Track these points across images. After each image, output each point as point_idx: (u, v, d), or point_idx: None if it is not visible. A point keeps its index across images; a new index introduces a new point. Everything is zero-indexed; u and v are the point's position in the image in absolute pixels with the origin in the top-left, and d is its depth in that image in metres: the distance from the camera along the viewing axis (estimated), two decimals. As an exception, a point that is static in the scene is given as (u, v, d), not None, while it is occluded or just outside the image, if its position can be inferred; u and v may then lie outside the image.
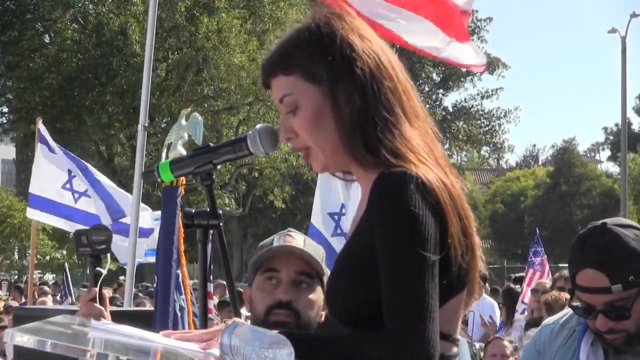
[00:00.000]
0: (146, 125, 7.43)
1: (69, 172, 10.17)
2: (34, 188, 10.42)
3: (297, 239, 2.97)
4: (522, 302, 10.39)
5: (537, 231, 13.22)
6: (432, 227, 2.17)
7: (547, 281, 9.34)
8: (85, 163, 10.47)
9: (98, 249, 3.09)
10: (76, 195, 10.19)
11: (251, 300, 2.95)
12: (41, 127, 10.38)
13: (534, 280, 11.22)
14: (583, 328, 3.26)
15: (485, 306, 11.43)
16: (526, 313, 9.92)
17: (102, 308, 3.00)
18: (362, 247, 2.23)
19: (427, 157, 2.28)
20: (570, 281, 3.23)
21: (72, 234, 3.12)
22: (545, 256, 11.96)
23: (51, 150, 10.22)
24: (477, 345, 7.42)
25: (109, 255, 3.15)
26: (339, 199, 7.10)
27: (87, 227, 3.20)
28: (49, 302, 14.64)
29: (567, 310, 3.42)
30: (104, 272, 3.08)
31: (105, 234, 3.11)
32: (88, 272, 3.15)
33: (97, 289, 3.04)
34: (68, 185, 10.21)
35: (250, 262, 3.02)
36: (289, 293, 2.87)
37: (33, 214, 10.53)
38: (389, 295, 2.15)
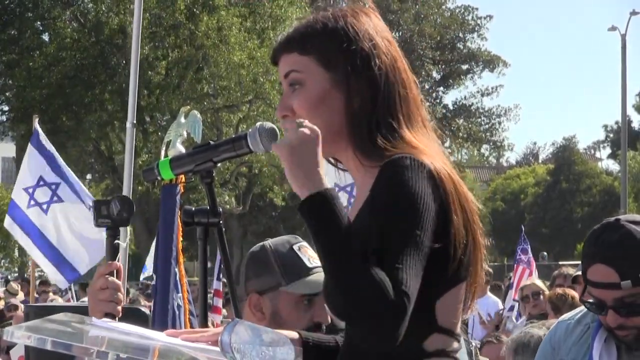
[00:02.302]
0: (134, 122, 7.42)
1: (41, 178, 9.68)
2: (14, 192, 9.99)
3: None
4: (514, 299, 10.40)
5: (523, 228, 13.24)
6: (431, 213, 2.16)
7: (538, 281, 9.34)
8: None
9: (118, 220, 2.93)
10: (32, 202, 9.57)
11: (270, 312, 2.94)
12: (37, 126, 10.07)
13: (523, 277, 11.26)
14: (597, 325, 3.27)
15: (490, 304, 11.38)
16: (515, 310, 9.97)
17: (120, 282, 2.84)
18: (361, 232, 2.20)
19: (430, 152, 2.28)
20: (582, 276, 3.24)
21: (91, 204, 2.95)
22: (531, 255, 12.00)
23: (42, 151, 9.83)
24: (474, 343, 7.39)
25: (128, 228, 2.98)
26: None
27: (107, 198, 3.01)
28: (60, 300, 14.63)
29: (583, 307, 3.42)
30: (124, 244, 2.93)
31: (127, 206, 2.95)
32: (105, 244, 2.97)
33: (116, 263, 2.87)
34: (31, 190, 9.66)
35: (262, 272, 2.99)
36: (326, 315, 2.90)
37: (9, 224, 9.84)
38: (385, 257, 2.10)
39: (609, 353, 3.22)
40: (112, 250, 2.93)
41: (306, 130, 2.21)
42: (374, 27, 2.35)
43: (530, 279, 10.53)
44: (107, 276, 2.82)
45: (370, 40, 2.32)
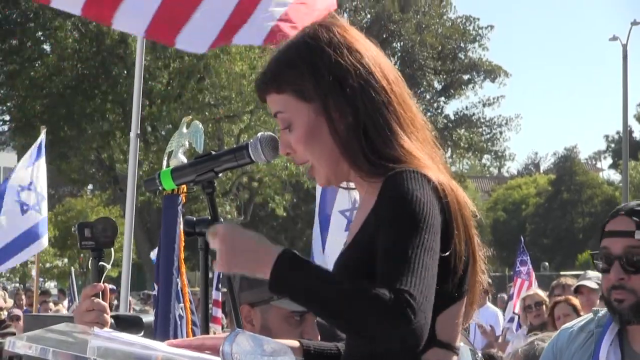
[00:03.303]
0: (139, 133, 7.41)
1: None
2: None
3: None
4: (514, 312, 10.40)
5: (522, 240, 13.20)
6: (436, 222, 2.17)
7: (539, 292, 9.34)
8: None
9: (102, 242, 2.96)
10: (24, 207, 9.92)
11: (260, 325, 2.95)
12: (41, 136, 10.30)
13: (523, 289, 11.26)
14: (604, 330, 3.32)
15: (489, 315, 11.38)
16: (515, 322, 9.97)
17: (105, 304, 2.85)
18: (366, 241, 2.22)
19: (430, 164, 2.28)
20: (600, 235, 3.34)
21: (75, 227, 2.97)
22: (530, 266, 11.99)
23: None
24: (480, 353, 7.37)
25: (112, 249, 3.01)
26: (350, 195, 7.01)
27: (90, 220, 3.06)
28: (63, 310, 14.66)
29: (587, 315, 3.50)
30: (108, 266, 2.96)
31: (110, 228, 2.98)
32: (90, 266, 2.99)
33: (102, 284, 2.88)
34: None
35: (255, 284, 2.98)
36: (317, 332, 2.92)
37: None
38: (386, 263, 2.11)
39: (614, 356, 3.25)
40: (97, 272, 2.94)
41: (218, 232, 2.20)
42: (337, 41, 2.30)
43: (530, 289, 10.54)
44: (92, 298, 2.83)
45: (336, 59, 2.28)
